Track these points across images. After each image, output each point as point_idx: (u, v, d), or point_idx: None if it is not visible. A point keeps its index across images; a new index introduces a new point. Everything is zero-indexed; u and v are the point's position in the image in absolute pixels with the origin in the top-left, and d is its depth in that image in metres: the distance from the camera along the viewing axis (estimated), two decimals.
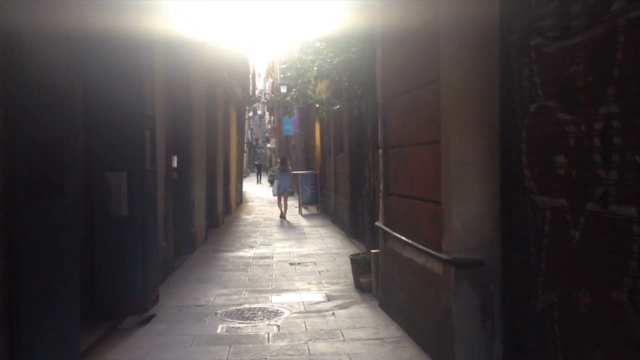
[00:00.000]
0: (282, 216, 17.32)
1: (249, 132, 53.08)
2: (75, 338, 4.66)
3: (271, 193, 19.28)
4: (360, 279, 7.75)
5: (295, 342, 5.60)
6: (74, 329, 4.59)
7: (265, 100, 23.72)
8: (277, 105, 19.66)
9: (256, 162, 51.03)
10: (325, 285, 8.13)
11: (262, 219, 17.73)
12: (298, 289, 7.93)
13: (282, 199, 17.57)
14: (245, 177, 41.04)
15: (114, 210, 6.25)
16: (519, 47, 4.08)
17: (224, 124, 17.71)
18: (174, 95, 9.70)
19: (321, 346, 5.47)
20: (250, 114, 45.40)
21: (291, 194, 19.16)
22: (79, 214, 5.46)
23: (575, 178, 3.36)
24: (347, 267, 8.58)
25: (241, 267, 9.72)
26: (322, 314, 6.64)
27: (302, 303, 7.13)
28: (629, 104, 2.90)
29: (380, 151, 6.92)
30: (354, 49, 9.01)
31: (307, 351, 5.35)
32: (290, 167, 19.19)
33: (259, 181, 43.65)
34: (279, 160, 20.43)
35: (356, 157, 12.18)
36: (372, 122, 8.52)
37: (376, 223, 7.10)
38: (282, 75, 22.33)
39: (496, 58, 4.37)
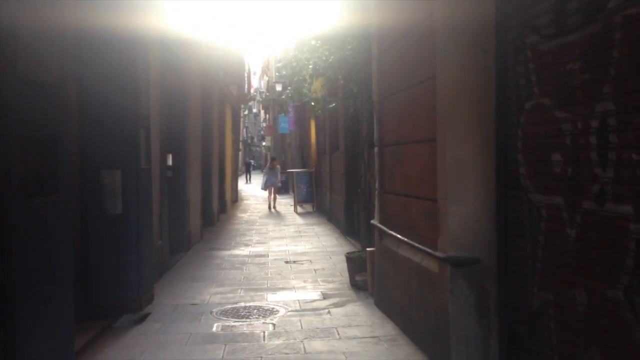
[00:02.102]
0: (270, 207, 19.98)
1: (245, 130, 52.85)
2: (70, 337, 4.63)
3: (265, 192, 21.44)
4: (356, 277, 7.74)
5: (291, 341, 5.59)
6: (68, 328, 4.57)
7: (261, 99, 23.75)
8: (273, 103, 19.66)
9: (246, 161, 46.99)
10: (321, 284, 8.12)
11: (257, 217, 17.72)
12: (294, 287, 7.92)
13: (270, 191, 20.27)
14: (241, 175, 40.52)
15: (108, 208, 6.22)
16: (515, 45, 4.08)
17: (219, 122, 17.68)
18: (169, 93, 9.67)
19: (317, 344, 5.46)
20: (246, 112, 45.18)
21: (279, 188, 21.72)
22: (73, 213, 5.43)
23: (572, 176, 3.36)
24: (343, 266, 8.57)
25: (236, 265, 9.70)
26: (318, 312, 6.62)
27: (297, 301, 7.12)
28: (625, 101, 2.89)
29: (375, 149, 6.91)
30: (349, 47, 8.99)
31: (302, 349, 5.33)
32: (278, 166, 22.33)
33: (248, 180, 41.18)
34: (269, 159, 24.36)
35: (352, 155, 12.17)
36: (368, 120, 8.51)
37: (372, 221, 7.09)
38: (277, 74, 22.33)
39: (492, 56, 4.36)
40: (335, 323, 6.16)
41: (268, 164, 22.61)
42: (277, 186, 20.84)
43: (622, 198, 2.93)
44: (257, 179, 41.92)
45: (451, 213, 4.43)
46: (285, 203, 21.56)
